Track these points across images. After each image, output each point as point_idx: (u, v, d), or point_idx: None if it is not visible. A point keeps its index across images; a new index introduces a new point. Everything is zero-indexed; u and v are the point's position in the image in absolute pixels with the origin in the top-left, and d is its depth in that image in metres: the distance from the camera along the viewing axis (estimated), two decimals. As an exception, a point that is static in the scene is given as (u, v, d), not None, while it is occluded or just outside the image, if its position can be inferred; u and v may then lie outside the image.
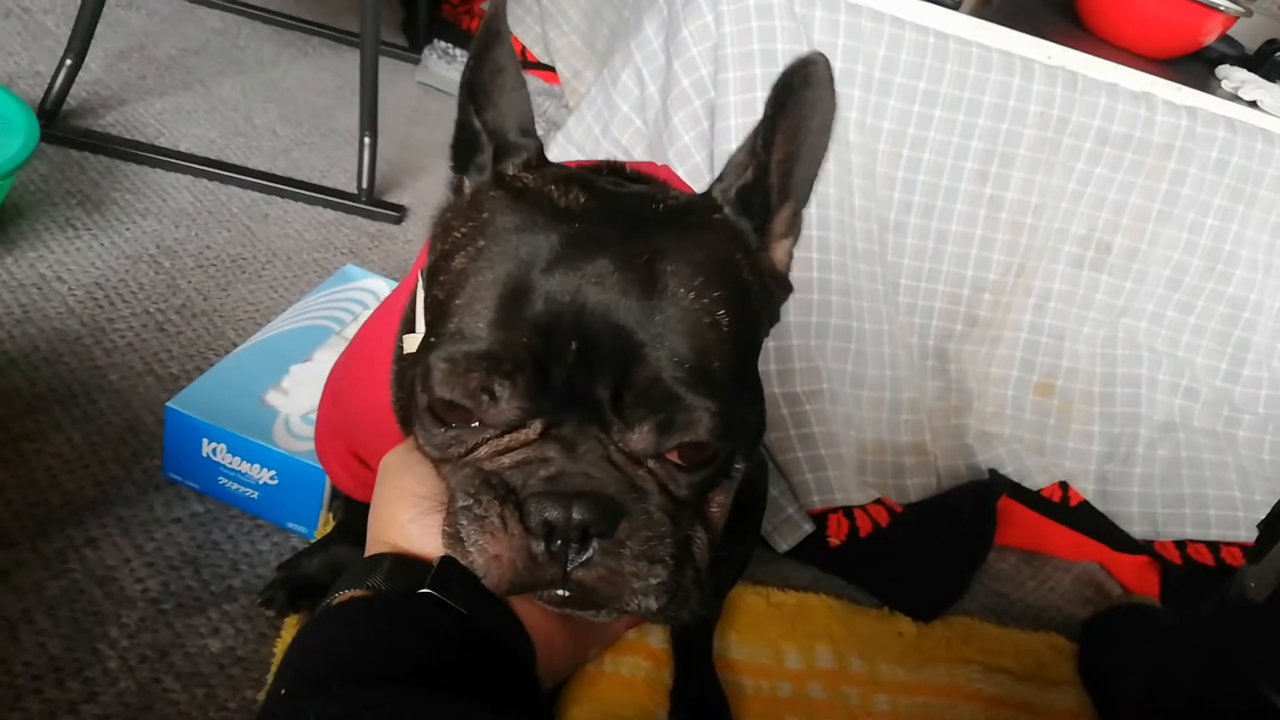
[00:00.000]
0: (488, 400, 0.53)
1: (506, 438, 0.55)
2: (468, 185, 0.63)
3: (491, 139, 0.61)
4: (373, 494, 0.61)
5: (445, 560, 0.54)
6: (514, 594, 0.54)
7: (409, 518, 0.56)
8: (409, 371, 0.59)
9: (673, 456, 0.55)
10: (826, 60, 0.58)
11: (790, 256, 0.66)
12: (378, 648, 0.50)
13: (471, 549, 0.53)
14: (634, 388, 0.52)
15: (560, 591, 0.53)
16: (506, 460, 0.54)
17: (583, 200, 0.57)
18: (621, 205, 0.59)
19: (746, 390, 0.59)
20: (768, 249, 0.64)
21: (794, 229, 0.65)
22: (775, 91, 0.58)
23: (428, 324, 0.58)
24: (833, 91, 0.59)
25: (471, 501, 0.53)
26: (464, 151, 0.63)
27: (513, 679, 0.52)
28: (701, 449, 0.55)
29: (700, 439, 0.54)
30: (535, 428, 0.54)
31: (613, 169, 0.68)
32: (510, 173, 0.61)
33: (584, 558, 0.52)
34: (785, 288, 0.66)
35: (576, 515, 0.51)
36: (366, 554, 0.58)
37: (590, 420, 0.53)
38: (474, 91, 0.61)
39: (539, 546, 0.52)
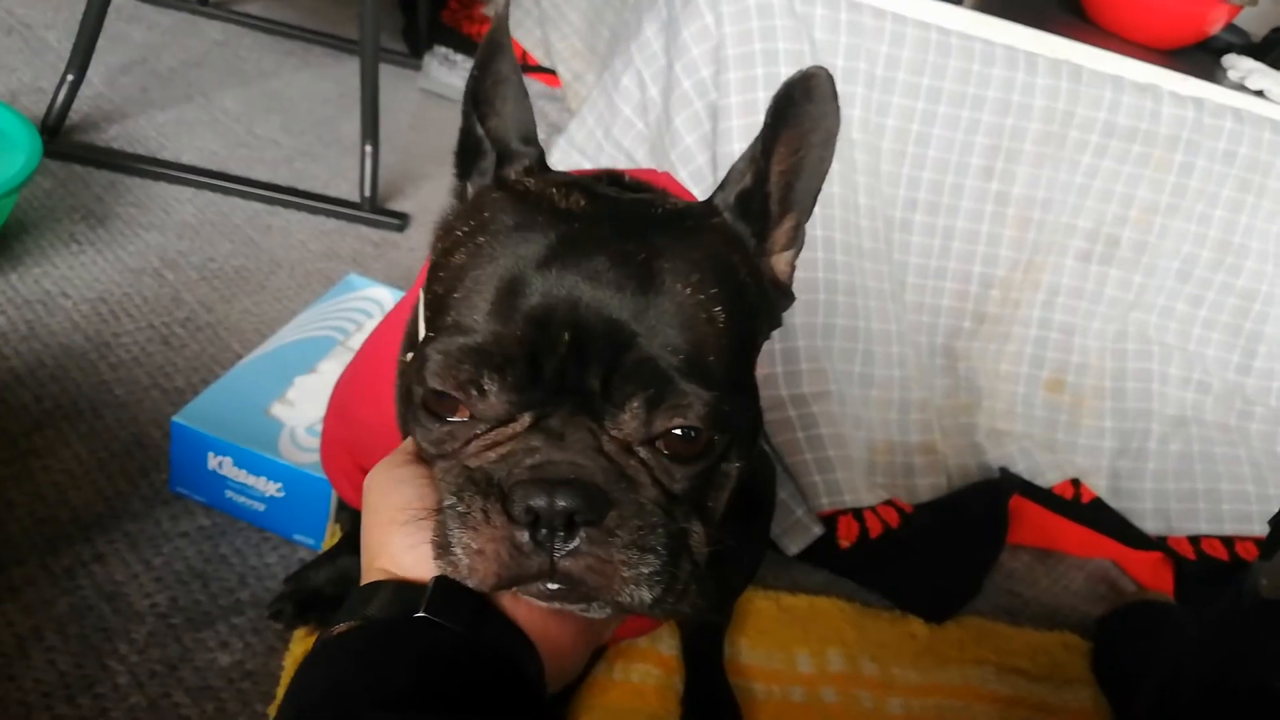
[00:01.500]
0: (477, 394, 0.53)
1: (495, 432, 0.54)
2: (470, 191, 0.64)
3: (494, 146, 0.63)
4: (361, 519, 0.61)
5: (439, 580, 0.53)
6: (501, 589, 0.53)
7: (399, 540, 0.56)
8: (409, 377, 0.59)
9: (663, 447, 0.54)
10: (829, 75, 0.58)
11: (792, 268, 0.66)
12: (374, 676, 0.49)
13: (457, 549, 0.52)
14: (623, 370, 0.52)
15: (548, 585, 0.52)
16: (493, 455, 0.54)
17: (583, 203, 0.58)
18: (620, 209, 0.60)
19: (741, 390, 0.59)
20: (767, 255, 0.65)
21: (796, 241, 0.66)
22: (776, 101, 0.58)
23: (427, 320, 0.58)
24: (836, 107, 0.59)
25: (455, 500, 0.53)
26: (467, 159, 0.64)
27: (514, 693, 0.51)
28: (692, 441, 0.54)
29: (689, 423, 0.53)
30: (524, 420, 0.54)
31: (613, 178, 0.69)
32: (512, 177, 0.62)
33: (570, 546, 0.51)
34: (787, 296, 0.67)
35: (561, 502, 0.50)
36: (362, 582, 0.57)
37: (580, 410, 0.53)
38: (477, 100, 0.62)
39: (523, 536, 0.51)
